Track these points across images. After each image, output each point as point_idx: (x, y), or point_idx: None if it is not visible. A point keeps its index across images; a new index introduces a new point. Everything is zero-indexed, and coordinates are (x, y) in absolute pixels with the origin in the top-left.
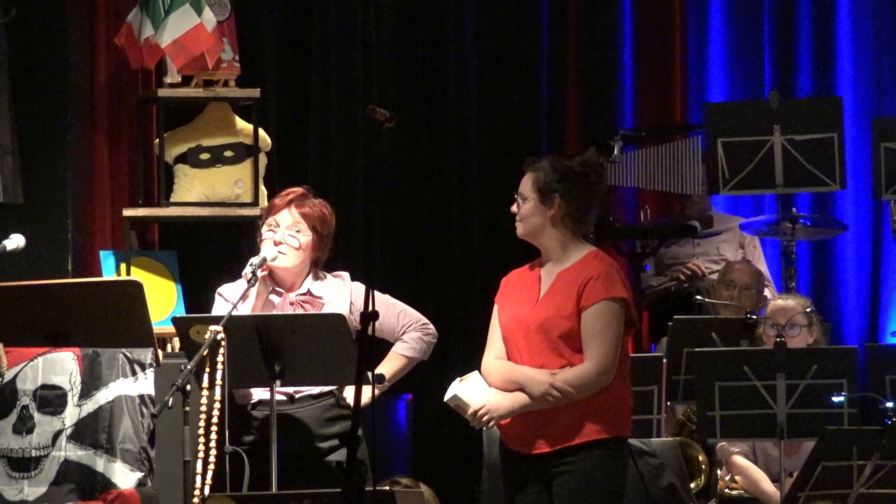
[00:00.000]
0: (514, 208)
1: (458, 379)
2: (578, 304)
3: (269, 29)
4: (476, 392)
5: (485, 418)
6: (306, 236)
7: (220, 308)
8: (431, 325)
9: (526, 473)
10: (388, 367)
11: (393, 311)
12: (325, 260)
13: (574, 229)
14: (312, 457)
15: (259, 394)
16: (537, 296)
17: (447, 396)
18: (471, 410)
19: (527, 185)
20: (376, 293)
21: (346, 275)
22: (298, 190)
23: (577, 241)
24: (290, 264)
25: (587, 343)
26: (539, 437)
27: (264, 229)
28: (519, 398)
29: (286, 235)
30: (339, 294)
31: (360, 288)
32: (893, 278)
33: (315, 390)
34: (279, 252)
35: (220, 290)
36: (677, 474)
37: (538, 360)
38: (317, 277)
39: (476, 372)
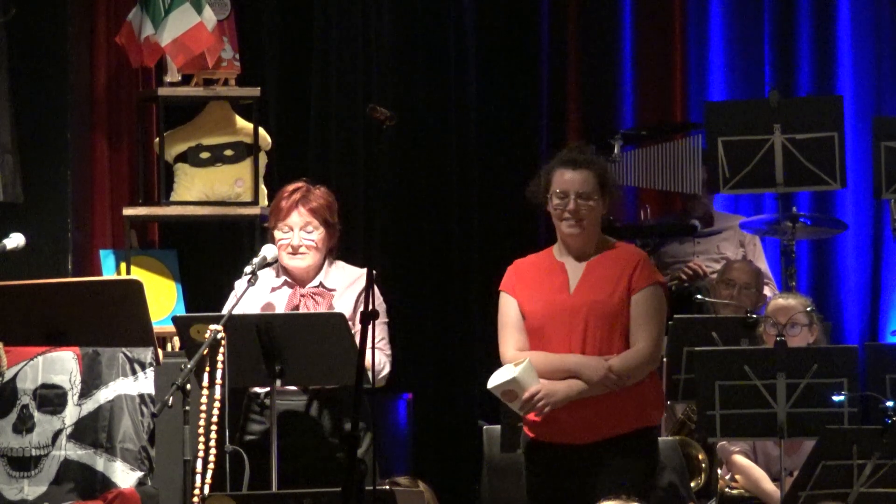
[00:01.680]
0: (572, 207)
1: (511, 364)
2: (629, 287)
3: (270, 28)
4: (532, 378)
5: (541, 403)
6: (319, 232)
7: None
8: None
9: (570, 463)
10: None
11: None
12: (336, 246)
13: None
14: (324, 452)
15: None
16: (567, 285)
17: (497, 382)
18: (527, 394)
19: (590, 182)
20: (380, 301)
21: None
22: (300, 185)
23: (601, 234)
24: (310, 263)
25: (639, 326)
26: (588, 427)
27: (278, 234)
28: (575, 384)
29: (303, 238)
30: (353, 285)
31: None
32: (894, 277)
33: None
34: (299, 254)
35: (238, 282)
36: (677, 473)
37: (589, 347)
38: (331, 266)
39: (528, 359)
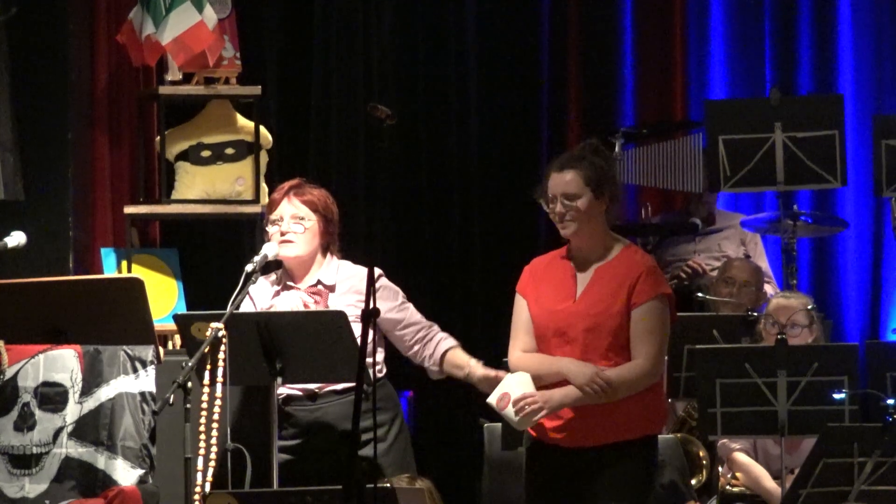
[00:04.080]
0: (559, 209)
1: (508, 375)
2: (629, 301)
3: (270, 26)
4: (524, 385)
5: (535, 406)
6: (311, 221)
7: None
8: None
9: (567, 466)
10: (466, 360)
11: (418, 322)
12: (336, 245)
13: (606, 222)
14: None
15: (284, 389)
16: (574, 291)
17: (493, 397)
18: (518, 394)
19: (576, 182)
20: (400, 297)
21: (377, 271)
22: (294, 181)
23: (611, 232)
24: (301, 252)
25: (638, 340)
26: (588, 432)
27: (269, 228)
28: (571, 392)
29: (291, 224)
30: (358, 282)
31: (384, 283)
32: (894, 275)
33: (339, 386)
34: (287, 241)
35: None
36: (678, 471)
37: (587, 358)
38: (330, 262)
39: (525, 373)
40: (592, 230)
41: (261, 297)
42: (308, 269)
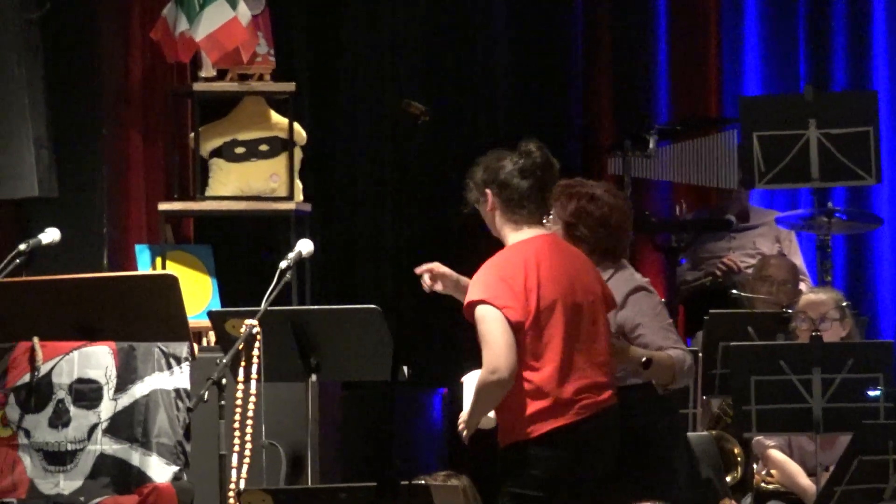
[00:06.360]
0: None
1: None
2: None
3: (299, 23)
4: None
5: (465, 433)
6: None
7: None
8: (690, 358)
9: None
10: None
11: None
12: None
13: (510, 219)
14: None
15: None
16: None
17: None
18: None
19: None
20: (646, 300)
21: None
22: None
23: (509, 233)
24: None
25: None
26: None
27: None
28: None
29: None
30: None
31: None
32: None
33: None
34: None
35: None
36: (713, 468)
37: None
38: None
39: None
40: (493, 229)
41: None
42: None
